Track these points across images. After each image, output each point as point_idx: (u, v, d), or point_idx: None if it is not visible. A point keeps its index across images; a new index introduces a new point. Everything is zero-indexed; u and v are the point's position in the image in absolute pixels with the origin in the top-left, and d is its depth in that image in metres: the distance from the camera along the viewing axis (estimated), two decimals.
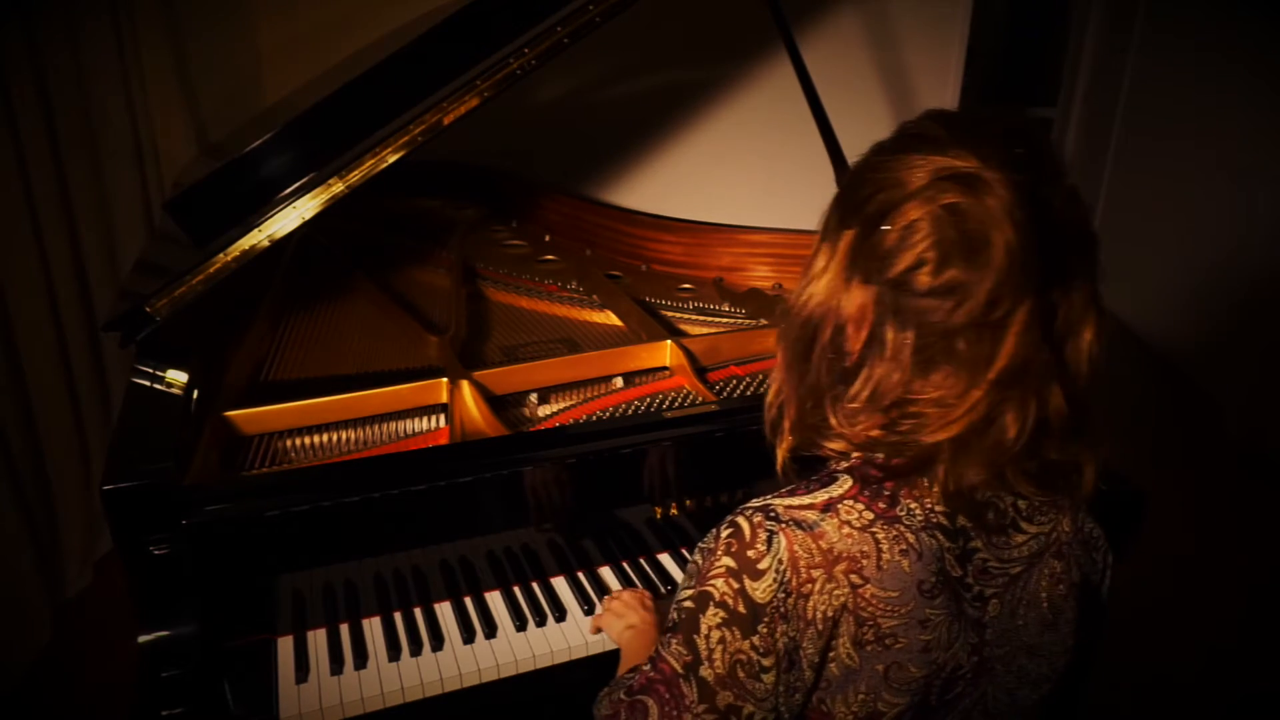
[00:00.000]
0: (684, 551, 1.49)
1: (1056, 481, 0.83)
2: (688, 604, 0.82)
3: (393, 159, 1.48)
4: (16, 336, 2.20)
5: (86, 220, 2.39)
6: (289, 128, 1.50)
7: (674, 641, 0.82)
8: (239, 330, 1.71)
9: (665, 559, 1.48)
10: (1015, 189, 0.73)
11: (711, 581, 0.80)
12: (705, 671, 0.80)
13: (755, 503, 0.83)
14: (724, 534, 0.82)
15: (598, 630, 1.32)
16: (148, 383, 1.41)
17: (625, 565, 1.45)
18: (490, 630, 1.32)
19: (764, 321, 1.86)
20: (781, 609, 0.78)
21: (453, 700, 1.26)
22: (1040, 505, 0.87)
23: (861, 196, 0.79)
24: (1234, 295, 3.39)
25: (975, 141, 0.76)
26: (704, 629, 0.80)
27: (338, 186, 1.46)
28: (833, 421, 0.82)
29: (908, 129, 0.81)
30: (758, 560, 0.79)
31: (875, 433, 0.80)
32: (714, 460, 1.46)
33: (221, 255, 1.42)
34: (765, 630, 0.78)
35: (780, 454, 0.88)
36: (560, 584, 1.41)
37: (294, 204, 1.45)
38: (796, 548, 0.78)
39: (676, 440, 1.42)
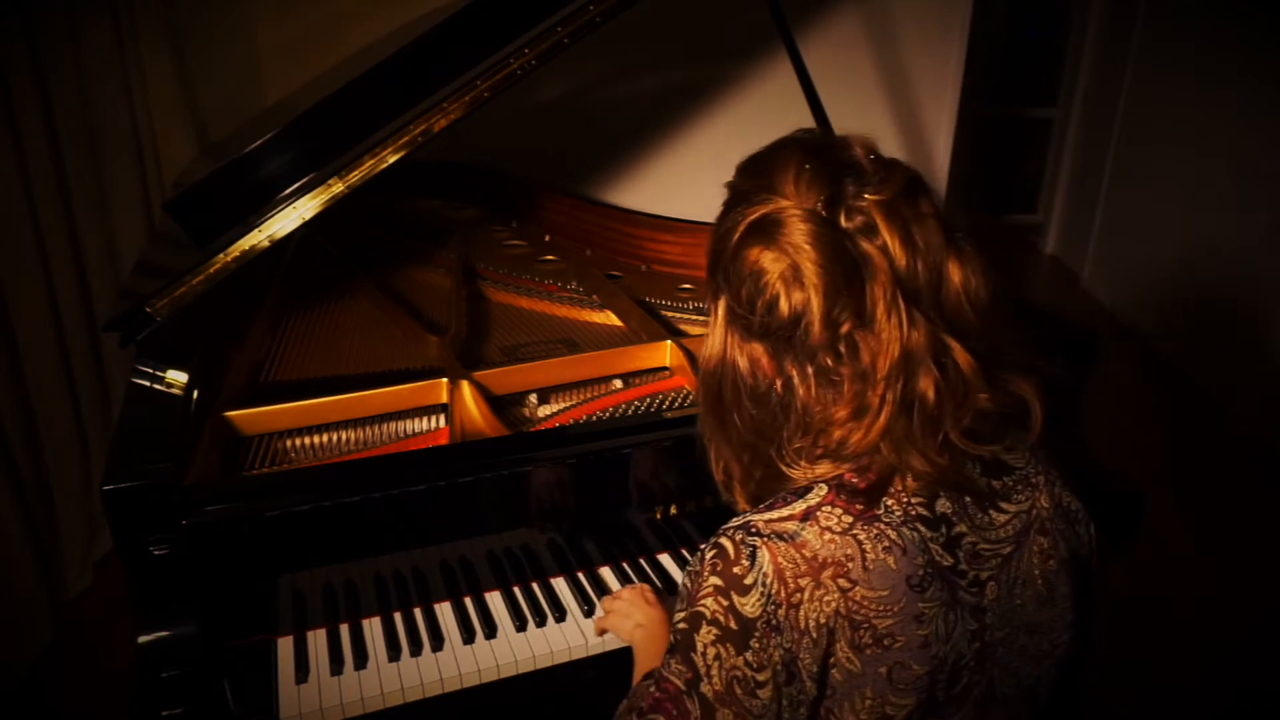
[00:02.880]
0: (684, 552, 1.49)
1: (1011, 430, 0.86)
2: (682, 625, 0.84)
3: (393, 159, 1.48)
4: (17, 336, 2.20)
5: (86, 220, 2.39)
6: (289, 128, 1.50)
7: (674, 661, 0.84)
8: (239, 330, 1.71)
9: (665, 559, 1.48)
10: (807, 215, 0.79)
11: (702, 601, 0.82)
12: (705, 688, 0.81)
13: (735, 521, 0.85)
14: (709, 555, 0.83)
15: (603, 632, 1.32)
16: (148, 383, 1.41)
17: (625, 565, 1.45)
18: (490, 630, 1.32)
19: None
20: (772, 621, 0.79)
21: (453, 700, 1.26)
22: (1014, 484, 0.89)
23: (711, 262, 0.87)
24: (1233, 295, 3.39)
25: (767, 182, 0.83)
26: (700, 646, 0.81)
27: (338, 187, 1.46)
28: (788, 470, 0.86)
29: (728, 185, 0.89)
30: (743, 576, 0.80)
31: (829, 464, 0.84)
32: None
33: (221, 255, 1.42)
34: (758, 645, 0.79)
35: (742, 506, 0.92)
36: (560, 584, 1.41)
37: (294, 204, 1.45)
38: (780, 559, 0.80)
39: (677, 440, 1.42)
